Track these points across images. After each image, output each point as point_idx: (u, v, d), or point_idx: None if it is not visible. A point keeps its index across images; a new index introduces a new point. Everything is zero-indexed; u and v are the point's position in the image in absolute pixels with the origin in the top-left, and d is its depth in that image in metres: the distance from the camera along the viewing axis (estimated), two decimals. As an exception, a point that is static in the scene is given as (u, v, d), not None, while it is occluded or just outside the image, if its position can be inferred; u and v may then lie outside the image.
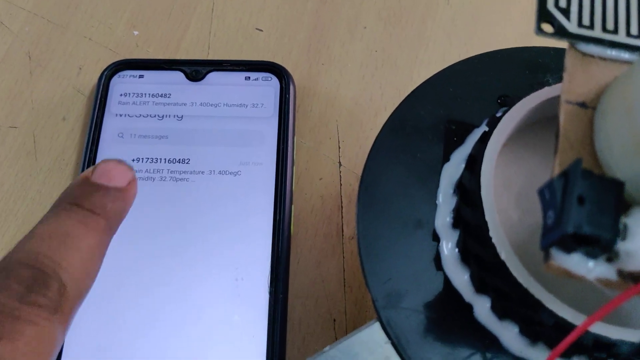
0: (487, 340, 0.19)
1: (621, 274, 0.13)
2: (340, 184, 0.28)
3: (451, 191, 0.20)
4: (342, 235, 0.27)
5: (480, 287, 0.18)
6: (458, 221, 0.19)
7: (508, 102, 0.20)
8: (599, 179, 0.13)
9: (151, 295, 0.25)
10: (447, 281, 0.19)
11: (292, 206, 0.27)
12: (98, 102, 0.29)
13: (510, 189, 0.19)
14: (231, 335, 0.24)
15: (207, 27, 0.32)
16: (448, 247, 0.19)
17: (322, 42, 0.32)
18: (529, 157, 0.20)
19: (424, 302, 0.19)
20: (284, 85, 0.29)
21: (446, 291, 0.19)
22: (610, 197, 0.13)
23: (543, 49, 0.23)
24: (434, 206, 0.20)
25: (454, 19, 0.32)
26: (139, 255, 0.26)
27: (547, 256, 0.14)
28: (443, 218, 0.20)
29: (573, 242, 0.13)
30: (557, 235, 0.13)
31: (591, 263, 0.13)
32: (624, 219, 0.13)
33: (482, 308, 0.19)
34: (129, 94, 0.29)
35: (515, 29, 0.31)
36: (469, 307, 0.19)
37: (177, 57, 0.31)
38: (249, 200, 0.27)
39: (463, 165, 0.20)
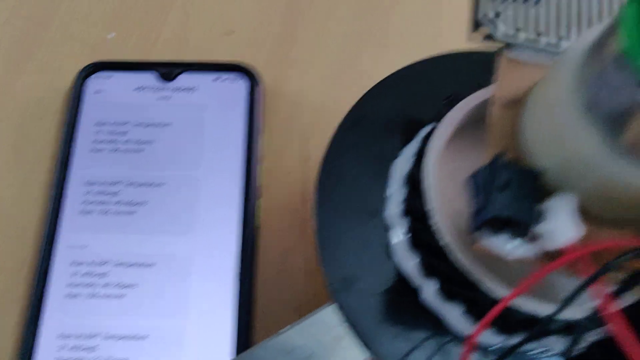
0: (435, 321, 0.20)
1: (541, 253, 0.15)
2: (306, 180, 0.30)
3: (401, 183, 0.21)
4: (306, 227, 0.28)
5: (427, 271, 0.20)
6: (407, 210, 0.21)
7: (454, 101, 0.22)
8: (519, 168, 0.15)
9: (124, 278, 0.26)
10: (397, 267, 0.21)
11: (259, 200, 0.28)
12: (74, 101, 0.30)
13: (455, 180, 0.21)
14: (200, 321, 0.26)
15: (180, 28, 0.33)
16: (398, 235, 0.21)
17: (291, 44, 0.33)
18: (472, 150, 0.21)
19: (376, 286, 0.21)
20: (252, 85, 0.31)
21: (397, 276, 0.21)
22: (529, 185, 0.15)
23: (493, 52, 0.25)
24: (385, 197, 0.22)
25: (419, 23, 0.34)
26: (115, 238, 0.27)
27: (475, 238, 0.15)
28: (393, 208, 0.21)
29: (496, 225, 0.14)
30: (482, 219, 0.14)
31: (514, 243, 0.15)
32: (542, 204, 0.15)
33: (429, 291, 0.20)
34: (104, 93, 0.31)
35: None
36: (417, 291, 0.20)
37: (152, 59, 0.32)
38: (217, 194, 0.28)
39: (413, 160, 0.21)
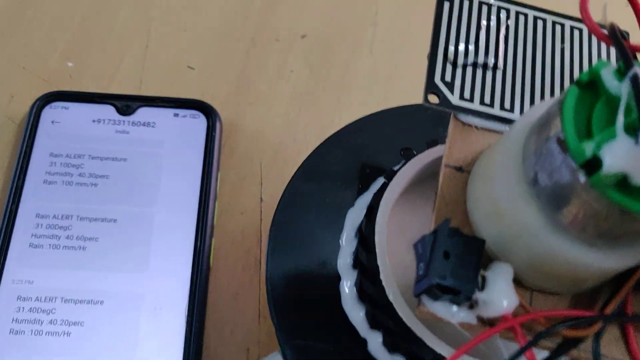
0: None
1: (480, 318, 0.15)
2: (261, 219, 0.30)
3: (353, 234, 0.22)
4: (260, 268, 0.28)
5: (373, 323, 0.20)
6: (356, 263, 0.21)
7: (408, 156, 0.22)
8: (463, 237, 0.15)
9: (71, 315, 0.26)
10: (346, 317, 0.21)
11: (213, 239, 0.28)
12: (28, 131, 0.30)
13: (404, 234, 0.21)
14: (148, 338, 0.25)
15: (140, 62, 0.33)
16: (347, 286, 0.21)
17: (250, 82, 0.33)
18: (422, 206, 0.22)
19: (324, 336, 0.21)
20: (210, 123, 0.31)
21: (345, 326, 0.21)
22: (472, 253, 0.15)
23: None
24: (338, 247, 0.22)
25: (375, 68, 0.34)
26: (64, 274, 0.27)
27: (419, 302, 0.16)
28: (344, 259, 0.22)
29: (438, 291, 0.15)
30: (425, 285, 0.15)
31: (455, 309, 0.15)
32: (484, 272, 0.15)
33: (375, 343, 0.20)
34: (60, 124, 0.30)
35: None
36: (364, 342, 0.21)
37: (110, 91, 0.32)
38: (171, 232, 0.28)
39: (365, 212, 0.22)
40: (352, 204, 0.23)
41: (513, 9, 0.20)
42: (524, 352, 0.14)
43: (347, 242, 0.22)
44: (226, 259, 0.29)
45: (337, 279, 0.22)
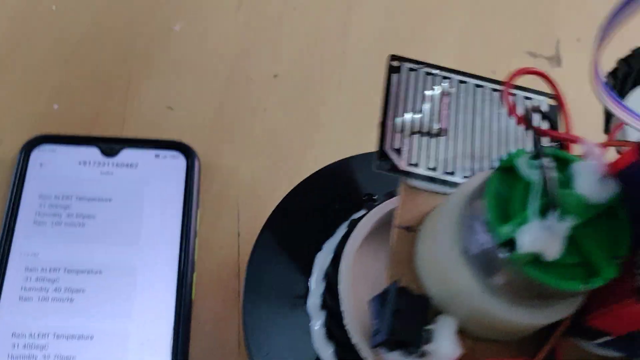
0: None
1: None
2: (239, 254, 0.32)
3: (321, 277, 0.24)
4: (239, 300, 0.31)
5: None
6: (324, 304, 0.23)
7: (370, 204, 0.25)
8: (409, 295, 0.18)
9: (70, 349, 0.28)
10: (315, 354, 0.23)
11: (194, 274, 0.31)
12: (18, 174, 0.32)
13: (367, 278, 0.24)
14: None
15: (122, 103, 0.35)
16: (317, 325, 0.24)
17: (226, 121, 0.36)
18: (384, 251, 0.24)
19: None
20: (189, 163, 0.33)
21: (316, 361, 0.23)
22: (418, 310, 0.18)
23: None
24: (307, 289, 0.24)
25: (346, 107, 0.37)
26: (54, 316, 0.29)
27: (375, 353, 0.18)
28: (314, 300, 0.24)
29: (391, 344, 0.17)
30: (378, 340, 0.17)
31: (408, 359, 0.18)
32: (430, 326, 0.18)
33: (343, 383, 0.23)
34: (48, 166, 0.32)
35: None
36: (334, 376, 0.23)
37: (95, 131, 0.34)
38: (153, 268, 0.30)
39: (331, 256, 0.24)
40: (320, 248, 0.25)
41: (455, 78, 0.22)
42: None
43: (317, 285, 0.24)
44: (207, 292, 0.31)
45: (308, 317, 0.24)
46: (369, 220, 0.23)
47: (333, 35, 0.39)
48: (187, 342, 0.29)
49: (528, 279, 0.15)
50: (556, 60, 0.40)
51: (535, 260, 0.15)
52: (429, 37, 0.40)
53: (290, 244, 0.26)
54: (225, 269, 0.32)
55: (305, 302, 0.24)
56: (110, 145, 0.33)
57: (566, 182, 0.16)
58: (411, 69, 0.22)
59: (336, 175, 0.27)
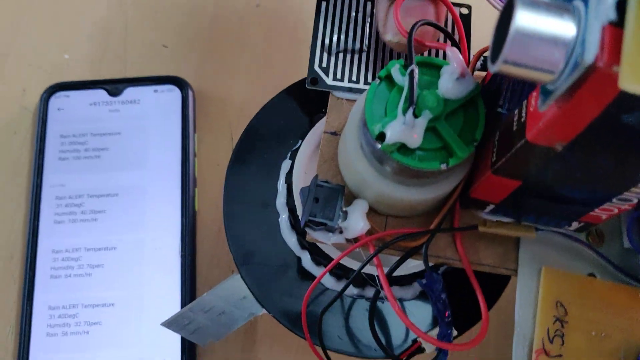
0: (311, 279, 0.28)
1: (348, 239, 0.23)
2: (233, 169, 0.37)
3: (284, 181, 0.29)
4: (234, 208, 0.36)
5: (302, 245, 0.28)
6: (286, 202, 0.28)
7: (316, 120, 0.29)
8: (328, 186, 0.22)
9: (99, 259, 0.34)
10: (284, 243, 0.28)
11: (196, 189, 0.36)
12: (41, 119, 0.37)
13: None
14: (155, 288, 0.33)
15: (122, 46, 0.40)
16: (283, 219, 0.28)
17: (216, 54, 0.40)
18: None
19: (270, 259, 0.28)
20: (184, 94, 0.38)
21: (285, 249, 0.28)
22: (335, 197, 0.22)
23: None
24: (276, 191, 0.29)
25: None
26: (84, 235, 0.35)
27: (305, 232, 0.23)
28: (280, 199, 0.29)
29: (313, 225, 0.22)
30: (303, 221, 0.22)
31: (329, 235, 0.22)
32: (345, 208, 0.22)
33: (306, 260, 0.28)
34: (64, 110, 0.38)
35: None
36: (299, 259, 0.28)
37: (101, 75, 0.39)
38: (161, 187, 0.35)
39: (290, 163, 0.29)
40: (286, 157, 0.30)
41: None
42: (373, 257, 0.22)
43: (282, 187, 0.29)
44: (208, 203, 0.36)
45: (277, 214, 0.29)
46: (315, 131, 0.27)
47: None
48: (193, 247, 0.35)
49: (401, 164, 0.19)
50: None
51: (402, 148, 0.19)
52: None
53: (262, 155, 0.30)
54: (223, 184, 0.36)
55: (274, 204, 0.29)
56: (114, 86, 0.38)
57: (433, 83, 0.20)
58: (337, -4, 0.26)
59: (301, 92, 0.31)
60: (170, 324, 0.27)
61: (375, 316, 0.28)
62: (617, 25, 0.13)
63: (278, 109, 0.31)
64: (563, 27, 0.14)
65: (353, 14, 0.25)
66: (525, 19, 0.14)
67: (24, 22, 0.41)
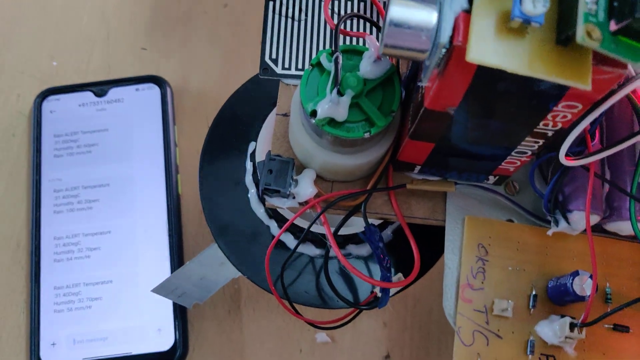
0: (283, 247, 0.32)
1: (300, 203, 0.27)
2: (211, 155, 0.41)
3: (250, 160, 0.33)
4: (213, 190, 0.40)
5: (269, 215, 0.32)
6: (253, 178, 0.32)
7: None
8: (279, 160, 0.26)
9: (96, 242, 0.38)
10: (254, 214, 0.33)
11: (178, 175, 0.40)
12: (35, 121, 0.41)
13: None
14: (147, 264, 0.38)
15: (105, 51, 0.44)
16: (252, 194, 0.33)
17: (190, 51, 0.44)
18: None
19: (243, 229, 0.33)
20: (163, 91, 0.42)
21: (255, 220, 0.33)
22: (286, 168, 0.26)
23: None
24: (245, 170, 0.33)
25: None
26: (81, 223, 0.39)
27: (263, 199, 0.27)
28: (248, 177, 0.33)
29: (269, 192, 0.26)
30: (260, 189, 0.26)
31: (284, 200, 0.26)
32: (296, 176, 0.26)
33: (273, 227, 0.32)
34: (56, 112, 0.42)
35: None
36: (268, 227, 0.32)
37: (88, 79, 0.43)
38: (147, 176, 0.40)
39: (254, 144, 0.33)
40: (251, 140, 0.34)
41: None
42: (320, 215, 0.26)
43: (249, 166, 0.33)
44: (190, 187, 0.40)
45: (246, 191, 0.33)
46: (272, 115, 0.31)
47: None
48: (179, 226, 0.39)
49: (332, 135, 0.24)
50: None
51: (332, 121, 0.23)
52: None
53: (231, 139, 0.34)
54: (202, 168, 0.41)
55: (243, 181, 0.33)
56: (100, 88, 0.42)
57: (356, 66, 0.24)
58: (283, -5, 0.30)
59: (262, 81, 0.35)
60: (159, 289, 0.32)
61: (343, 273, 0.32)
62: (468, 12, 0.17)
63: (244, 98, 0.35)
64: (427, 17, 0.18)
65: (304, 15, 0.29)
66: (397, 12, 0.18)
67: (15, 35, 0.45)
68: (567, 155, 0.21)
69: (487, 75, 0.18)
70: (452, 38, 0.17)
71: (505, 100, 0.20)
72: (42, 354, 0.37)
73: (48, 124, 0.41)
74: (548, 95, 0.19)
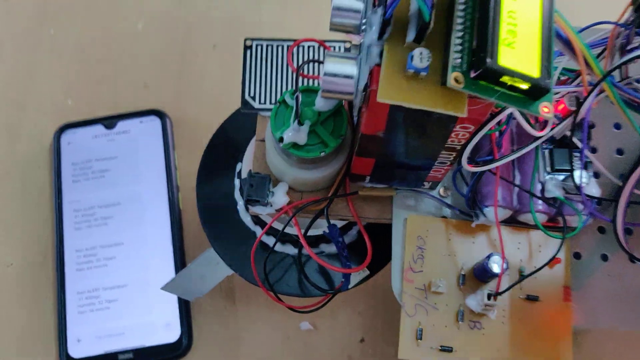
0: (268, 249, 0.39)
1: (276, 210, 0.34)
2: (206, 175, 0.48)
3: (237, 177, 0.40)
4: (209, 205, 0.47)
5: (254, 222, 0.39)
6: (241, 193, 0.39)
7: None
8: (258, 177, 0.33)
9: (111, 253, 0.45)
10: (243, 222, 0.39)
11: (179, 193, 0.47)
12: (55, 151, 0.48)
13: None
14: (156, 269, 0.45)
15: (112, 89, 0.51)
16: (240, 205, 0.39)
17: (186, 87, 0.51)
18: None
19: (233, 235, 0.39)
20: (163, 123, 0.49)
21: (244, 227, 0.39)
22: (264, 183, 0.33)
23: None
24: (234, 186, 0.40)
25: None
26: (94, 236, 0.46)
27: (247, 207, 0.34)
28: (237, 192, 0.40)
29: (251, 202, 0.33)
30: (244, 200, 0.33)
31: (264, 208, 0.33)
32: (273, 189, 0.33)
33: (258, 232, 0.39)
34: (73, 143, 0.49)
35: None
36: (254, 233, 0.39)
37: (98, 113, 0.50)
38: (152, 195, 0.47)
39: (240, 165, 0.40)
40: (238, 161, 0.41)
41: (286, 45, 0.37)
42: (292, 218, 0.33)
43: (237, 183, 0.40)
44: (190, 203, 0.47)
45: (236, 202, 0.40)
46: (253, 141, 0.38)
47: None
48: (181, 237, 0.46)
49: (296, 155, 0.31)
50: None
51: (295, 145, 0.30)
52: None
53: (221, 161, 0.41)
54: (199, 187, 0.48)
55: (234, 194, 0.40)
56: (109, 121, 0.49)
57: (312, 102, 0.31)
58: (259, 45, 0.37)
59: (241, 121, 0.42)
60: (166, 287, 0.39)
61: (321, 270, 0.39)
62: (379, 65, 0.24)
63: (232, 127, 0.42)
64: (351, 70, 0.25)
65: (276, 59, 0.36)
66: (330, 67, 0.25)
67: (34, 79, 0.52)
68: (469, 163, 0.28)
69: (398, 108, 0.25)
70: (368, 84, 0.24)
71: (417, 125, 0.27)
72: (69, 349, 0.43)
73: (66, 154, 0.49)
74: (447, 119, 0.26)
